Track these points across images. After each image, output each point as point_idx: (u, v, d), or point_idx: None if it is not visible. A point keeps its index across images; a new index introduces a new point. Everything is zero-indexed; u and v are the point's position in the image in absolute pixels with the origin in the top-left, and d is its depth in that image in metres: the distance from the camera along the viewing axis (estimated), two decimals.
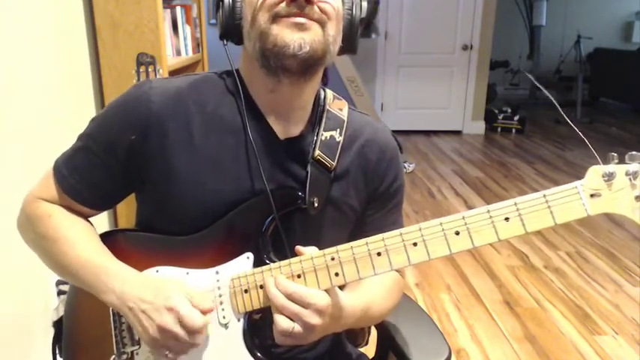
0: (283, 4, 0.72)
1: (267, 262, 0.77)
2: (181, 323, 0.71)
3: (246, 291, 0.76)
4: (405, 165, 4.16)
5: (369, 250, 0.70)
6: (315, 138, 0.83)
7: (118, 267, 0.79)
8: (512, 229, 0.66)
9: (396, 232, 0.70)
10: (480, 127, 5.69)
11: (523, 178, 4.17)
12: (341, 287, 0.77)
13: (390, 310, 0.90)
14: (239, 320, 0.78)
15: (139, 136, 0.78)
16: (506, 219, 0.66)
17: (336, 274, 0.71)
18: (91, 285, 0.78)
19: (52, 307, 1.57)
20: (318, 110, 0.86)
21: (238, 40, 0.80)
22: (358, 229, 0.89)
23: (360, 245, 0.71)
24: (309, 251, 0.73)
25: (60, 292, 1.56)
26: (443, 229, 0.68)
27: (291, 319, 0.70)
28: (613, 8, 7.72)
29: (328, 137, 0.83)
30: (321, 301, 0.70)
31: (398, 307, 0.92)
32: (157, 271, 0.80)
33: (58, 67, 1.65)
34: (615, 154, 0.63)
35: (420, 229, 0.69)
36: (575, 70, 6.67)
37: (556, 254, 2.83)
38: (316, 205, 0.81)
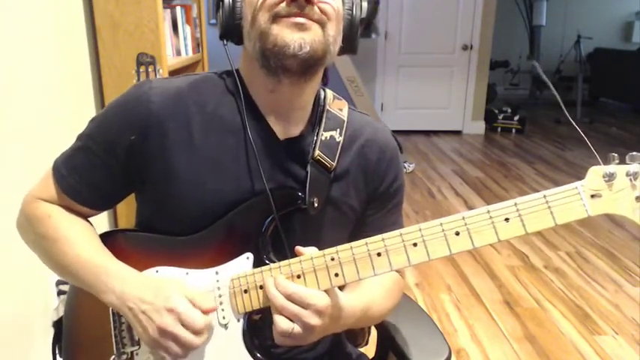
0: (283, 4, 0.72)
1: (267, 262, 0.77)
2: (182, 323, 0.71)
3: (245, 291, 0.76)
4: (405, 165, 4.16)
5: (368, 250, 0.70)
6: (315, 138, 0.83)
7: (117, 267, 0.79)
8: (512, 230, 0.65)
9: (396, 232, 0.70)
10: (479, 127, 5.69)
11: (523, 178, 4.17)
12: (341, 287, 0.78)
13: (390, 310, 0.90)
14: (239, 321, 0.77)
15: (138, 136, 0.78)
16: (507, 219, 0.66)
17: (336, 275, 0.71)
18: (90, 285, 0.78)
19: (52, 307, 1.57)
20: (318, 110, 0.86)
21: (238, 40, 0.80)
22: (358, 230, 0.89)
23: (359, 246, 0.71)
24: (308, 252, 0.73)
25: (60, 292, 1.56)
26: (443, 230, 0.68)
27: (291, 320, 0.70)
28: (613, 8, 7.72)
29: (328, 137, 0.83)
30: (321, 301, 0.70)
31: (398, 307, 0.92)
32: (157, 272, 0.80)
33: (58, 67, 1.65)
34: (616, 155, 0.63)
35: (419, 230, 0.68)
36: (575, 70, 6.67)
37: (556, 254, 2.83)
38: (316, 205, 0.81)
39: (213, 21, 2.05)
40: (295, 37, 0.72)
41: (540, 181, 4.09)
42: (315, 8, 0.73)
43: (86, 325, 0.88)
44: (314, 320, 0.69)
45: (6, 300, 1.36)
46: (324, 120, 0.85)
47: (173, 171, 0.79)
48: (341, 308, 0.75)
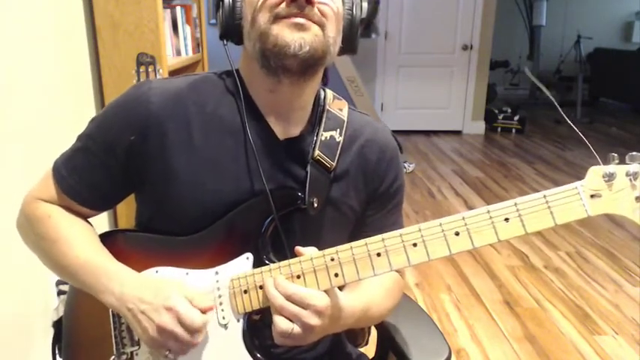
0: (283, 5, 0.72)
1: (267, 262, 0.77)
2: (181, 323, 0.71)
3: (245, 291, 0.76)
4: (405, 165, 4.16)
5: (368, 250, 0.70)
6: (315, 138, 0.83)
7: (117, 268, 0.79)
8: (512, 230, 0.65)
9: (396, 232, 0.70)
10: (480, 127, 5.69)
11: (523, 178, 4.17)
12: (340, 288, 0.77)
13: (389, 310, 0.90)
14: (238, 321, 0.77)
15: (138, 137, 0.78)
16: (506, 219, 0.65)
17: (336, 275, 0.71)
18: (90, 286, 0.78)
19: (52, 307, 1.57)
20: (318, 110, 0.86)
21: (238, 40, 0.80)
22: (358, 230, 0.89)
23: (359, 246, 0.71)
24: (308, 252, 0.73)
25: (60, 292, 1.56)
26: (443, 230, 0.68)
27: (291, 320, 0.70)
28: (613, 8, 7.72)
29: (328, 137, 0.83)
30: (321, 302, 0.70)
31: (398, 307, 0.92)
32: (157, 272, 0.80)
33: (58, 67, 1.65)
34: (616, 155, 0.63)
35: (419, 230, 0.68)
36: (575, 70, 6.67)
37: (556, 254, 2.83)
38: (316, 205, 0.81)
39: (213, 21, 2.05)
40: (295, 37, 0.72)
41: (540, 181, 4.09)
42: (315, 9, 0.73)
43: (86, 326, 0.88)
44: (313, 320, 0.69)
45: (6, 300, 1.36)
46: (324, 120, 0.85)
47: (172, 171, 0.79)
48: (341, 308, 0.75)
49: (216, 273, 0.78)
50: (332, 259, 0.71)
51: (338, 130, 0.85)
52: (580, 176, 0.64)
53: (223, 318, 0.78)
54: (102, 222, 1.87)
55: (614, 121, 6.24)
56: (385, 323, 0.99)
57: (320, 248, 0.73)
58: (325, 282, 0.72)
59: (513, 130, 5.71)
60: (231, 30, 0.78)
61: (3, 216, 1.15)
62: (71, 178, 0.82)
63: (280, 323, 0.70)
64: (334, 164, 0.83)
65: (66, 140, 0.86)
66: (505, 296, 2.40)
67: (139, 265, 0.80)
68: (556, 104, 0.82)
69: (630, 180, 0.62)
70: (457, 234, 0.67)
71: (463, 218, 0.67)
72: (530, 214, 0.65)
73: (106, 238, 0.85)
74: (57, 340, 0.93)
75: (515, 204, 0.65)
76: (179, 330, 0.71)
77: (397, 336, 0.97)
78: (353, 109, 0.91)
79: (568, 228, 3.10)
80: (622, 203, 0.62)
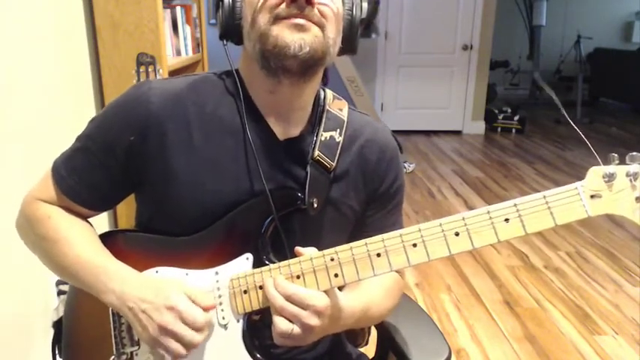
0: (283, 6, 0.72)
1: (267, 262, 0.77)
2: (183, 321, 0.71)
3: (245, 292, 0.76)
4: (405, 165, 4.16)
5: (368, 250, 0.70)
6: (315, 138, 0.83)
7: (117, 267, 0.79)
8: (512, 230, 0.65)
9: (396, 232, 0.70)
10: (479, 127, 5.69)
11: (523, 178, 4.17)
12: (340, 288, 0.77)
13: (389, 310, 0.90)
14: (238, 321, 0.77)
15: (137, 137, 0.78)
16: (506, 220, 0.66)
17: (336, 275, 0.71)
18: (90, 285, 0.78)
19: (52, 307, 1.57)
20: (318, 110, 0.86)
21: (238, 40, 0.80)
22: (358, 230, 0.89)
23: (359, 246, 0.71)
24: (308, 252, 0.73)
25: (60, 292, 1.56)
26: (442, 230, 0.68)
27: (290, 321, 0.70)
28: (613, 8, 7.72)
29: (328, 137, 0.83)
30: (320, 302, 0.70)
31: (398, 307, 0.92)
32: (157, 272, 0.80)
33: (58, 67, 1.65)
34: (616, 155, 0.63)
35: (419, 230, 0.68)
36: (575, 70, 6.67)
37: (556, 254, 2.83)
38: (315, 205, 0.81)
39: (213, 21, 2.04)
40: (295, 37, 0.72)
41: (540, 181, 4.09)
42: (315, 10, 0.73)
43: (86, 326, 0.88)
44: (313, 321, 0.69)
45: (6, 300, 1.36)
46: (323, 120, 0.85)
47: (172, 172, 0.79)
48: (340, 309, 0.75)
49: (216, 273, 0.78)
50: (332, 260, 0.71)
51: (338, 130, 0.85)
52: (580, 176, 0.64)
53: (223, 318, 0.78)
54: (102, 222, 1.87)
55: (614, 121, 6.24)
56: (385, 323, 0.99)
57: (320, 248, 0.73)
58: (325, 282, 0.72)
59: (513, 130, 5.71)
60: (231, 30, 0.78)
61: (3, 216, 1.15)
62: (71, 179, 0.82)
63: (280, 324, 0.70)
64: (334, 164, 0.83)
65: (66, 140, 0.86)
66: (505, 296, 2.40)
67: (138, 266, 0.80)
68: (560, 107, 0.82)
69: (630, 180, 0.62)
70: (457, 234, 0.67)
71: (463, 218, 0.67)
72: (530, 214, 0.65)
73: (106, 238, 0.85)
74: (57, 340, 0.93)
75: (515, 204, 0.65)
76: (181, 328, 0.71)
77: (397, 336, 0.97)
78: (353, 109, 0.91)
79: (568, 228, 3.11)
80: (622, 204, 0.63)
